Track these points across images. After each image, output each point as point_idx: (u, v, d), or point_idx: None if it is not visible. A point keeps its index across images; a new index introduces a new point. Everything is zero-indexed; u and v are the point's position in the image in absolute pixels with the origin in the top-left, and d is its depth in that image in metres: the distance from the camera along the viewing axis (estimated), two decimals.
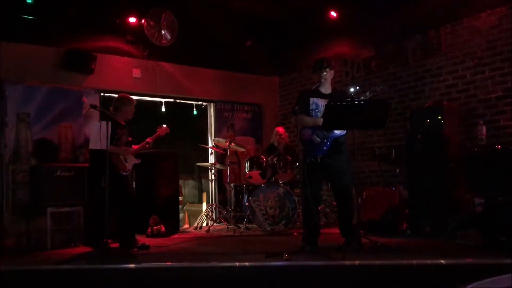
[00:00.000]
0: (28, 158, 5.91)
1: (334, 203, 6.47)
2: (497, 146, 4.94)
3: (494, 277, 2.19)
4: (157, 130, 5.50)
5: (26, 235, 5.50)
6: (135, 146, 5.32)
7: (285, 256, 4.04)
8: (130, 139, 5.33)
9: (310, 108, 4.68)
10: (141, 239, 5.57)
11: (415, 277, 3.61)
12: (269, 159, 6.43)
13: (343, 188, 4.67)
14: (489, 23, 5.79)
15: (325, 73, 4.66)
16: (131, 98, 5.36)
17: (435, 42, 6.32)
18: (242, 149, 7.08)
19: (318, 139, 4.58)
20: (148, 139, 5.40)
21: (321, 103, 4.62)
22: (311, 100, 4.69)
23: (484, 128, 5.43)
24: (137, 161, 5.33)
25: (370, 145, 7.00)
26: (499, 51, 5.68)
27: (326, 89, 4.75)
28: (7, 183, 5.72)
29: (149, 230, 6.08)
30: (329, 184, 5.26)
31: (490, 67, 5.78)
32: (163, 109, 7.60)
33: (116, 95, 6.76)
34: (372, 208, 6.05)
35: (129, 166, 5.20)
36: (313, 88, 4.75)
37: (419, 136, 5.51)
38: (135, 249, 4.91)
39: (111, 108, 5.28)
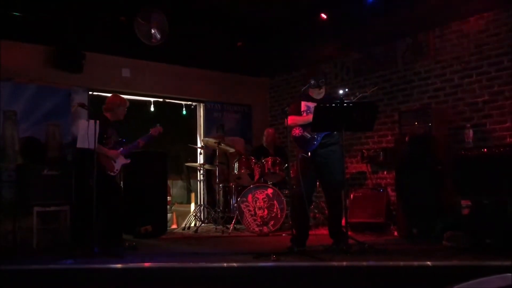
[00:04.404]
0: (14, 156, 5.83)
1: (322, 204, 6.54)
2: (484, 149, 5.00)
3: (480, 279, 2.22)
4: (150, 130, 5.46)
5: (12, 234, 5.43)
6: (125, 146, 5.29)
7: (273, 257, 4.04)
8: (124, 140, 5.29)
9: (302, 110, 4.71)
10: (129, 239, 5.54)
11: (402, 279, 3.64)
12: (259, 161, 6.43)
13: (334, 189, 4.69)
14: (477, 27, 5.86)
15: (322, 89, 4.71)
16: (124, 99, 5.33)
17: (424, 46, 6.38)
18: (231, 150, 7.08)
19: (309, 135, 4.62)
20: (140, 140, 5.36)
21: (313, 105, 4.64)
22: (303, 103, 4.72)
23: (471, 132, 5.49)
24: (127, 161, 5.29)
25: (359, 147, 7.04)
26: (487, 55, 5.76)
27: (318, 96, 4.78)
28: None
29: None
30: (318, 184, 5.28)
31: (477, 71, 5.85)
32: (152, 109, 7.58)
33: (104, 94, 6.77)
34: (360, 210, 6.09)
35: (117, 166, 5.16)
36: (302, 90, 4.76)
37: (407, 138, 5.55)
38: (123, 249, 4.88)
39: (103, 107, 5.25)
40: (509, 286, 2.23)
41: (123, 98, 5.37)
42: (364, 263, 3.82)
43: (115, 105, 5.23)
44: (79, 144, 4.71)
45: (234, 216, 6.41)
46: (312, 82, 4.60)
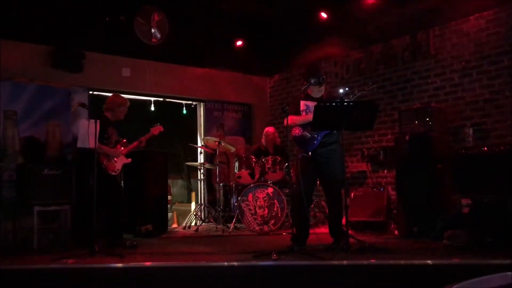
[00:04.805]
0: (15, 156, 5.85)
1: (323, 203, 6.54)
2: (484, 148, 5.00)
3: (480, 277, 2.22)
4: (151, 129, 5.47)
5: (12, 234, 5.44)
6: (126, 146, 5.29)
7: (273, 256, 4.04)
8: (125, 140, 5.30)
9: (301, 109, 4.71)
10: (129, 238, 5.54)
11: (402, 277, 3.64)
12: (259, 160, 6.44)
13: (334, 188, 4.70)
14: (477, 26, 5.86)
15: (322, 87, 4.69)
16: (125, 100, 5.34)
17: (424, 45, 6.38)
18: (231, 149, 7.08)
19: (309, 135, 4.62)
20: (142, 139, 5.37)
21: (312, 105, 4.64)
22: (302, 102, 4.73)
23: (471, 130, 5.49)
24: (128, 161, 5.30)
25: (359, 146, 7.05)
26: (487, 54, 5.75)
27: (318, 94, 4.77)
28: None
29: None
30: (318, 183, 5.28)
31: (477, 70, 5.84)
32: (153, 108, 7.58)
33: (104, 94, 6.78)
34: (360, 209, 6.09)
35: (118, 166, 5.17)
36: (302, 89, 4.77)
37: (407, 137, 5.55)
38: (123, 249, 4.88)
39: (104, 107, 5.26)
40: (510, 285, 2.23)
41: (124, 98, 5.38)
42: (365, 262, 3.82)
43: (115, 105, 5.24)
44: (79, 144, 4.72)
45: (234, 215, 6.42)
46: (313, 80, 4.60)
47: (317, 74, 4.67)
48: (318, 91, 4.73)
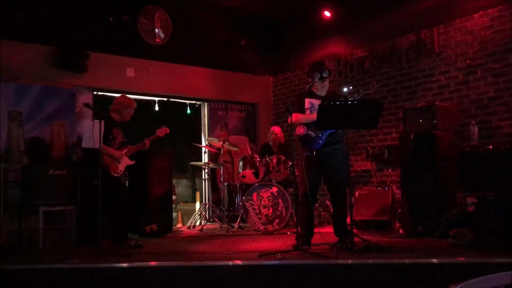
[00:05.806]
0: (20, 157, 5.87)
1: (327, 202, 6.54)
2: (489, 146, 4.98)
3: (485, 276, 2.21)
4: (157, 131, 5.47)
5: (18, 234, 5.47)
6: (130, 147, 5.30)
7: (278, 255, 4.05)
8: (126, 139, 5.31)
9: (306, 107, 4.70)
10: (134, 238, 5.55)
11: (407, 276, 3.64)
12: (263, 159, 6.44)
13: (339, 187, 4.70)
14: (481, 24, 5.84)
15: (325, 82, 4.69)
16: (132, 101, 5.35)
17: (428, 43, 6.36)
18: (235, 148, 7.08)
19: (313, 134, 4.61)
20: (146, 141, 5.38)
21: (317, 103, 4.64)
22: (307, 100, 4.72)
23: (476, 128, 5.46)
24: (131, 162, 5.30)
25: (363, 144, 7.03)
26: (491, 52, 5.73)
27: (322, 91, 4.77)
28: None
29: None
30: (323, 182, 5.28)
31: (482, 68, 5.82)
32: (157, 108, 7.59)
33: (109, 94, 6.80)
34: (365, 208, 6.08)
35: (121, 167, 5.17)
36: (307, 87, 4.77)
37: (411, 136, 5.54)
38: (128, 248, 4.90)
39: (110, 107, 5.27)
40: None
41: (131, 99, 5.39)
42: (370, 261, 3.81)
43: (122, 106, 5.26)
44: (84, 144, 4.74)
45: (239, 215, 6.42)
46: (317, 75, 4.58)
47: (321, 68, 4.66)
48: (322, 87, 4.71)
